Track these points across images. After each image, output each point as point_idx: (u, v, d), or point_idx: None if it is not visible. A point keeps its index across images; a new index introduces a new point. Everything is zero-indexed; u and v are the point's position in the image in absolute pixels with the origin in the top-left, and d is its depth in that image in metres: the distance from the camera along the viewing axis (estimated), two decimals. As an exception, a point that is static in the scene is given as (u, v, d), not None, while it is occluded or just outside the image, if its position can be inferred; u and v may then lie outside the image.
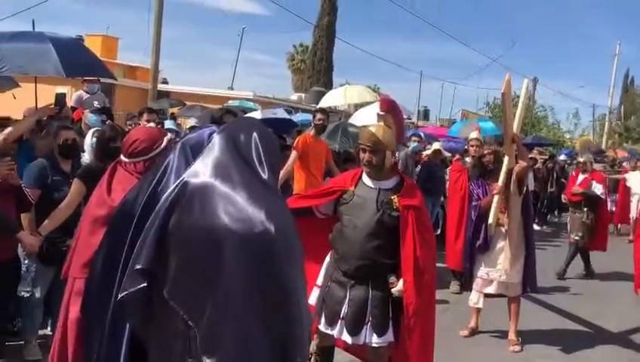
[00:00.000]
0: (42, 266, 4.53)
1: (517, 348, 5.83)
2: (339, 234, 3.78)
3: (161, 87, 20.89)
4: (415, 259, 3.59)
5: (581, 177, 9.57)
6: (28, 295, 4.57)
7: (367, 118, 11.83)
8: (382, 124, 3.73)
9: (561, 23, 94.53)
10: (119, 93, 20.20)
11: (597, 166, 20.59)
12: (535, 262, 5.99)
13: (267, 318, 2.11)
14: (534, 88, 36.26)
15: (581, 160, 10.16)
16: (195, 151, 2.37)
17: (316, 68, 35.88)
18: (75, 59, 5.26)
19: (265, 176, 2.23)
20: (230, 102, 14.76)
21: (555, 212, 17.43)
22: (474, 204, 6.08)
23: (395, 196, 3.67)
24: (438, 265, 8.12)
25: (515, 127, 5.57)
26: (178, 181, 2.24)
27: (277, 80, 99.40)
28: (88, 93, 7.74)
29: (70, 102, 7.91)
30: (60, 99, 5.25)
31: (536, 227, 14.62)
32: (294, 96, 26.46)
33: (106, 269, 2.47)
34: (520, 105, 5.90)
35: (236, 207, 2.12)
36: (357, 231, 3.67)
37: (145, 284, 2.18)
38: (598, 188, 9.31)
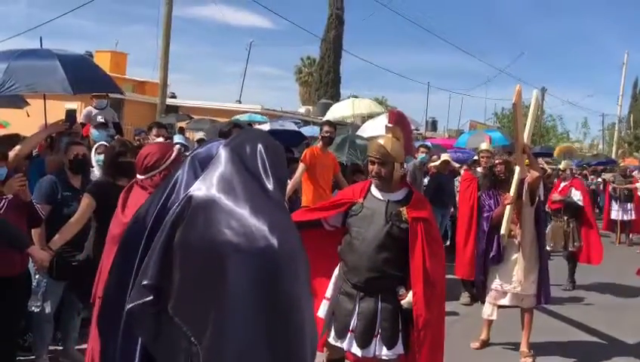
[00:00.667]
0: (52, 281, 4.56)
1: (529, 359, 5.75)
2: (348, 246, 3.77)
3: (169, 101, 21.03)
4: (424, 271, 3.57)
5: (562, 185, 9.35)
6: (38, 310, 4.59)
7: (375, 130, 11.86)
8: (390, 136, 3.74)
9: (568, 33, 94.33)
10: (128, 107, 20.34)
11: (607, 176, 20.57)
12: (548, 272, 5.93)
13: (270, 334, 2.10)
14: (542, 98, 36.18)
15: (561, 167, 9.85)
16: (203, 165, 2.37)
17: (323, 80, 36.03)
18: (82, 75, 5.31)
19: (270, 188, 2.23)
20: (238, 116, 14.81)
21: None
22: (485, 215, 6.01)
23: (404, 208, 3.67)
24: (447, 276, 8.22)
25: (526, 137, 5.55)
26: (184, 195, 2.25)
27: (285, 93, 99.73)
28: (97, 108, 7.80)
29: (80, 118, 7.97)
30: (70, 115, 5.28)
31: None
32: (302, 109, 26.53)
33: (120, 284, 2.47)
34: (530, 115, 5.88)
35: (239, 222, 2.12)
36: (366, 243, 3.66)
37: (151, 297, 2.18)
38: (576, 195, 9.03)
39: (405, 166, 8.20)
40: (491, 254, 5.83)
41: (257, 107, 19.16)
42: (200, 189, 2.22)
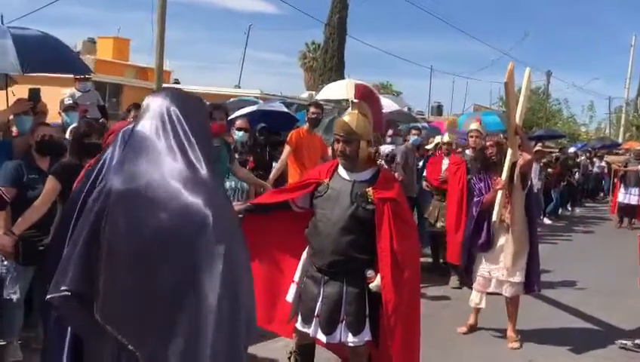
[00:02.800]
0: (20, 266, 4.44)
1: (516, 344, 5.62)
2: (313, 228, 3.62)
3: (167, 86, 20.86)
4: (392, 254, 3.41)
5: (446, 162, 8.09)
6: (16, 296, 4.48)
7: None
8: (356, 112, 3.55)
9: (574, 15, 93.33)
10: (127, 93, 20.22)
11: (611, 158, 20.28)
12: (539, 259, 5.72)
13: (212, 324, 1.96)
14: (548, 81, 35.79)
15: (445, 140, 8.52)
16: None
17: (327, 65, 35.68)
18: (38, 55, 5.14)
19: (195, 160, 2.06)
20: (234, 100, 14.61)
21: (568, 206, 17.18)
22: (476, 199, 5.77)
23: (370, 188, 3.50)
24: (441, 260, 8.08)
25: (518, 117, 5.34)
26: (102, 185, 2.09)
27: (289, 79, 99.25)
28: (81, 91, 7.67)
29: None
30: (35, 94, 5.13)
31: (547, 221, 14.45)
32: (305, 94, 26.28)
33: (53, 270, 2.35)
34: (522, 95, 5.65)
35: (166, 202, 1.97)
36: (330, 225, 3.51)
37: (68, 293, 2.03)
38: None
39: (393, 148, 8.09)
40: (480, 241, 5.61)
41: (256, 92, 18.90)
42: (118, 178, 2.05)
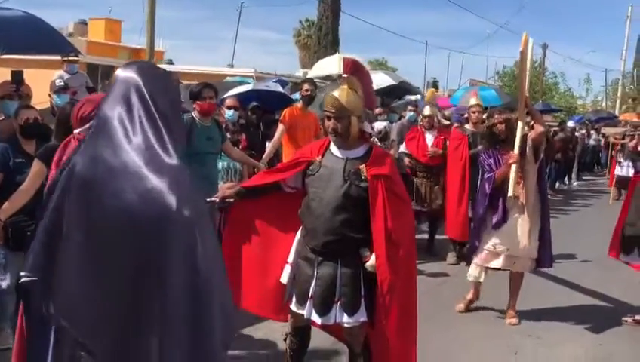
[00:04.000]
0: (9, 252, 4.37)
1: (515, 320, 5.59)
2: (306, 208, 3.52)
3: (165, 67, 20.64)
4: (387, 232, 3.32)
5: (430, 136, 7.82)
6: (5, 283, 4.42)
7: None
8: (346, 87, 3.41)
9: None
10: (119, 75, 19.96)
11: (611, 130, 20.15)
12: (550, 234, 5.61)
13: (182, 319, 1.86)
14: (544, 54, 35.55)
15: (426, 113, 7.98)
16: None
17: (322, 43, 35.28)
18: (19, 35, 5.03)
19: (160, 136, 1.94)
20: (229, 79, 14.46)
21: (565, 179, 17.14)
22: (487, 176, 5.53)
23: (364, 165, 3.40)
24: (437, 237, 8.03)
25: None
26: (65, 170, 1.98)
27: (284, 57, 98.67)
28: (69, 73, 7.52)
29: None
30: (17, 75, 5.01)
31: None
32: (299, 72, 26.05)
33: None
34: (527, 62, 5.46)
35: (130, 186, 1.86)
36: (323, 205, 3.40)
37: (28, 279, 1.95)
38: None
39: (386, 125, 7.95)
40: (495, 219, 5.42)
41: (250, 70, 18.68)
42: (80, 161, 1.94)
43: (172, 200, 1.83)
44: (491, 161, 5.57)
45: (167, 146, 1.93)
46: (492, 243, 5.50)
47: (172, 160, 1.92)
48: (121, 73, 2.08)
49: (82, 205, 1.90)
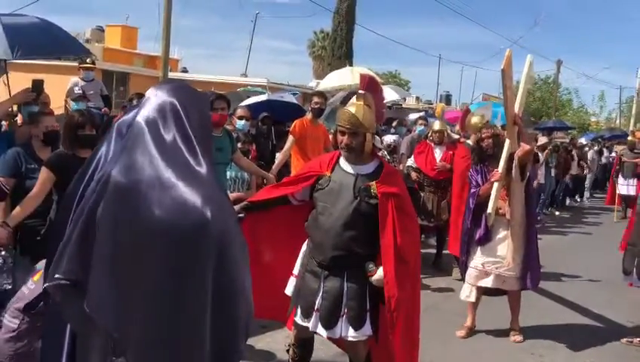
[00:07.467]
0: (19, 256, 4.43)
1: (519, 338, 5.56)
2: (313, 221, 3.54)
3: (179, 75, 20.84)
4: (396, 249, 3.33)
5: (439, 151, 7.78)
6: (10, 287, 4.47)
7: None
8: (362, 103, 3.43)
9: (584, 3, 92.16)
10: (134, 81, 20.24)
11: (619, 148, 19.98)
12: (537, 255, 5.56)
13: (208, 325, 1.95)
14: (558, 70, 35.41)
15: (436, 128, 7.91)
16: None
17: (336, 54, 35.47)
18: (31, 39, 5.12)
19: (196, 156, 2.02)
20: (242, 89, 14.58)
21: (576, 197, 17.06)
22: (472, 191, 5.58)
23: (374, 182, 3.41)
24: (445, 252, 8.02)
25: (517, 107, 5.19)
26: (99, 177, 2.04)
27: (297, 68, 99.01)
28: (84, 80, 7.64)
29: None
30: (38, 85, 5.10)
31: (556, 212, 14.35)
32: (312, 83, 26.17)
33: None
34: (522, 83, 5.52)
35: (166, 198, 1.93)
36: (332, 220, 3.42)
37: (62, 282, 2.00)
38: None
39: (396, 138, 7.97)
40: (477, 235, 5.44)
41: (263, 80, 18.81)
42: (116, 169, 2.00)
43: (207, 211, 1.91)
44: (479, 177, 5.57)
45: (199, 159, 2.02)
46: (480, 261, 5.48)
47: (205, 172, 2.00)
48: (155, 90, 2.17)
49: (117, 212, 1.96)
